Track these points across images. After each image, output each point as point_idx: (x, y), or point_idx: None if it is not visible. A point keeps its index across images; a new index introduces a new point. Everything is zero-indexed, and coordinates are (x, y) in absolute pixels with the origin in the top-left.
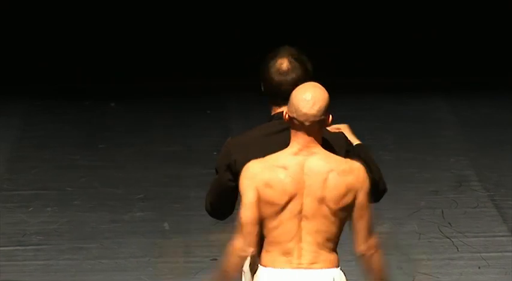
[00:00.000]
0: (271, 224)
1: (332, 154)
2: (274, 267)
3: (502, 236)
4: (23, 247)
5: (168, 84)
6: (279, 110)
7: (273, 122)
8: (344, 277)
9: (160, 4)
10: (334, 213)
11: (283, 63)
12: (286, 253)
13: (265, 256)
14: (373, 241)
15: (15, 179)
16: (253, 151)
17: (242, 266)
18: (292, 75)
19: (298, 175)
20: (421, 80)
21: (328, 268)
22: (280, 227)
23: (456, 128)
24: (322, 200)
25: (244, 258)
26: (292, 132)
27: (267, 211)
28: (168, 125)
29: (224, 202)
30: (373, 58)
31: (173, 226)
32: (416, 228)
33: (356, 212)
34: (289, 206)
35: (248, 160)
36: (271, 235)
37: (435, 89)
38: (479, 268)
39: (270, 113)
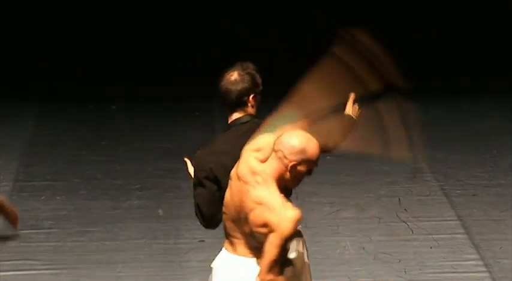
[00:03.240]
0: None
1: None
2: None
3: (451, 220)
4: (36, 231)
5: (162, 90)
6: (234, 117)
7: (231, 130)
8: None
9: (148, 24)
10: None
11: (233, 75)
12: None
13: None
14: None
15: (29, 171)
16: (222, 154)
17: None
18: (239, 86)
19: None
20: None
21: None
22: None
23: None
24: None
25: None
26: None
27: None
28: (162, 125)
29: (218, 208)
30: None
31: (166, 212)
32: (377, 213)
33: None
34: None
35: (221, 163)
36: None
37: None
38: (431, 247)
39: (227, 121)
